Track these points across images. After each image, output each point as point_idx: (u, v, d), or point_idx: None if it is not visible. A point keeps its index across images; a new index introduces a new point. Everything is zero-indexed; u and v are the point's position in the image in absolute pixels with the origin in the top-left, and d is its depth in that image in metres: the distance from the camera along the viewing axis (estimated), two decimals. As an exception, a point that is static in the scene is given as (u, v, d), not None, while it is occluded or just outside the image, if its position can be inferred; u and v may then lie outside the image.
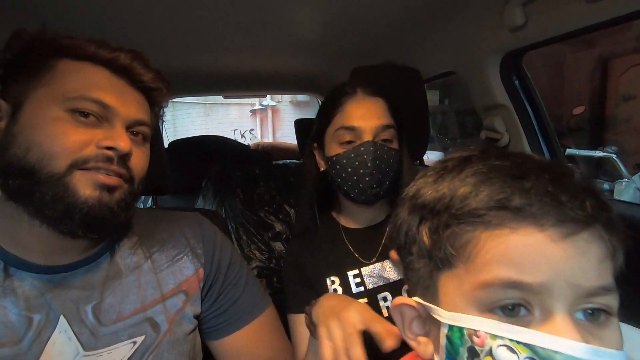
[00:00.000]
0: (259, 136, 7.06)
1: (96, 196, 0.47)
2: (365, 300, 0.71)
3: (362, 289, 0.72)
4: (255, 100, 6.90)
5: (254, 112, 7.15)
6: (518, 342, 0.25)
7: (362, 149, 0.71)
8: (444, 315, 0.29)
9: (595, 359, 0.24)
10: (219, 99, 2.39)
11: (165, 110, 0.63)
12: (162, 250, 0.59)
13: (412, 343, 0.33)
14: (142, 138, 0.54)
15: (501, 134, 0.98)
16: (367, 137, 0.71)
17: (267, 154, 1.71)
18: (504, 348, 0.25)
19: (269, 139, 6.64)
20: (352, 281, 0.73)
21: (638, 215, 0.76)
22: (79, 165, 0.46)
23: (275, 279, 1.25)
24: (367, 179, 0.71)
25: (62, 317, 0.49)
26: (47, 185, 0.45)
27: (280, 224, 1.34)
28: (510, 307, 0.26)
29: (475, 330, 0.26)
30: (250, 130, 7.02)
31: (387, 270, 0.73)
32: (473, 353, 0.27)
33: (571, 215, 0.26)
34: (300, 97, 6.71)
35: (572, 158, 2.06)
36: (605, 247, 0.27)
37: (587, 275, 0.26)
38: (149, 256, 0.57)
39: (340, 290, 0.73)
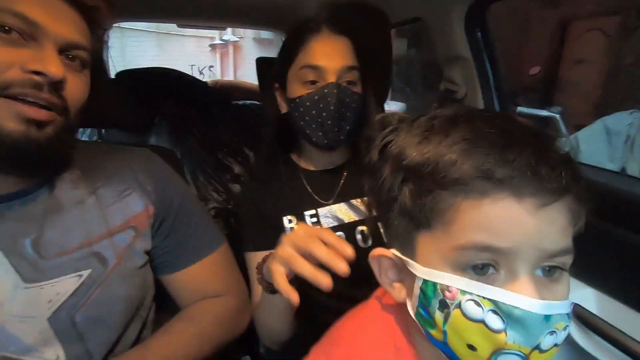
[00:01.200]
0: (218, 74, 6.64)
1: (21, 130, 0.42)
2: None
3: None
4: (215, 34, 6.36)
5: (213, 47, 6.63)
6: (484, 298, 0.29)
7: (326, 91, 0.69)
8: (420, 270, 0.32)
9: (547, 312, 0.28)
10: (174, 28, 2.17)
11: (110, 35, 0.57)
12: (108, 186, 0.57)
13: (387, 287, 0.36)
14: (80, 64, 0.49)
15: (459, 87, 1.01)
16: (331, 78, 0.70)
17: (226, 93, 1.63)
18: (472, 302, 0.29)
19: (229, 78, 6.27)
20: (309, 220, 0.76)
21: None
22: (0, 93, 0.41)
23: (232, 220, 1.27)
24: (329, 122, 0.70)
25: None
26: None
27: (239, 166, 1.33)
28: (480, 267, 0.30)
29: (448, 286, 0.30)
30: (209, 67, 6.56)
31: (343, 212, 0.76)
32: (444, 305, 0.30)
33: (548, 188, 0.28)
34: (265, 34, 6.29)
35: (520, 116, 2.19)
36: (571, 215, 0.30)
37: (552, 240, 0.29)
38: (93, 191, 0.56)
39: None
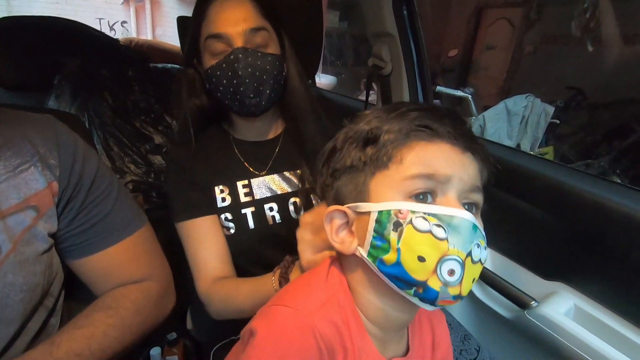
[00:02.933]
0: (133, 31, 5.92)
1: None
2: (252, 209, 0.74)
3: (249, 198, 0.74)
4: (128, -16, 5.61)
5: (127, 0, 5.85)
6: (429, 214, 0.36)
7: (231, 57, 0.66)
8: (375, 206, 0.39)
9: (474, 222, 0.37)
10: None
11: None
12: (0, 159, 0.48)
13: (336, 245, 0.41)
14: None
15: (386, 63, 1.04)
16: (238, 42, 0.66)
17: (143, 54, 1.46)
18: (420, 218, 0.36)
19: (147, 37, 5.62)
20: (241, 191, 0.74)
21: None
22: None
23: (154, 194, 1.19)
24: (241, 88, 0.67)
25: None
26: None
27: (160, 136, 1.22)
28: (421, 196, 0.38)
29: (400, 210, 0.37)
30: (122, 23, 5.80)
31: (276, 183, 0.76)
32: (397, 225, 0.37)
33: (466, 140, 0.39)
34: (188, -9, 5.72)
35: (439, 94, 2.37)
36: (479, 166, 0.40)
37: (470, 176, 0.39)
38: None
39: (228, 200, 0.73)
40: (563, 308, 0.70)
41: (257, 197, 0.75)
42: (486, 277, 0.84)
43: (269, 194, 0.75)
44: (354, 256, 0.40)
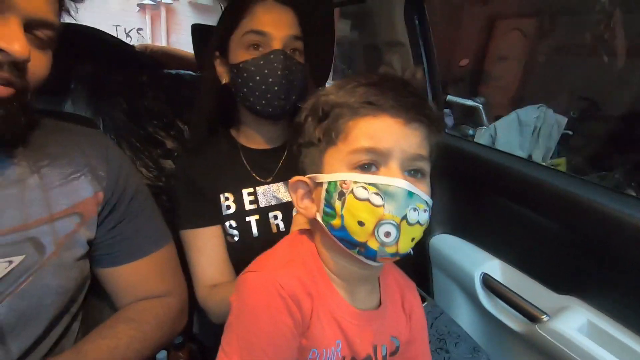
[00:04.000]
0: (148, 38, 6.05)
1: None
2: (256, 217, 0.74)
3: (254, 206, 0.75)
4: (145, -7, 5.75)
5: (142, 7, 5.99)
6: (369, 184, 0.40)
7: (272, 56, 0.67)
8: (326, 177, 0.43)
9: (410, 189, 0.40)
10: (94, -20, 1.91)
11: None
12: (54, 166, 0.51)
13: (301, 210, 0.47)
14: (46, 41, 0.44)
15: (396, 72, 1.04)
16: (277, 45, 0.68)
17: (157, 60, 1.49)
18: (360, 188, 0.40)
19: (161, 44, 5.75)
20: (246, 199, 0.75)
21: (472, 149, 0.94)
22: None
23: (165, 198, 1.20)
24: (276, 88, 0.68)
25: None
26: None
27: (171, 141, 1.24)
28: (366, 166, 0.41)
29: (344, 181, 0.41)
30: (137, 30, 5.94)
31: (281, 191, 0.76)
32: (341, 194, 0.41)
33: (409, 112, 0.42)
34: (203, 0, 5.84)
35: (449, 103, 2.36)
36: (424, 135, 0.43)
37: (413, 146, 0.42)
38: (36, 170, 0.49)
39: (233, 207, 0.74)
40: (576, 323, 0.69)
41: (262, 205, 0.75)
42: (496, 290, 0.83)
43: (274, 202, 0.75)
44: (316, 221, 0.45)
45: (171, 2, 6.04)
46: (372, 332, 0.49)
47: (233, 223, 0.73)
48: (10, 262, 0.46)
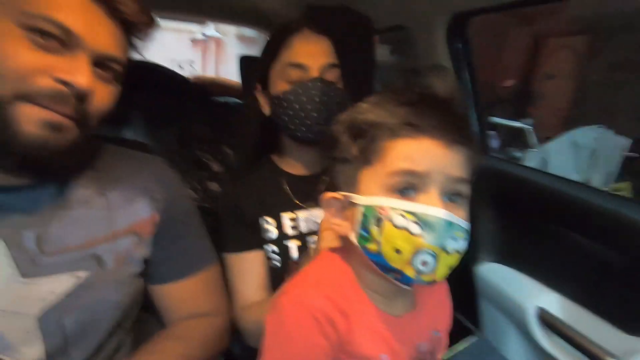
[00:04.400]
0: (199, 68, 6.51)
1: (40, 135, 0.43)
2: (297, 242, 0.75)
3: (296, 232, 0.75)
4: (196, 29, 6.24)
5: (195, 41, 6.50)
6: (407, 211, 0.39)
7: (309, 84, 0.70)
8: (362, 200, 0.42)
9: (449, 219, 0.39)
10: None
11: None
12: (118, 189, 0.56)
13: (335, 227, 0.46)
14: (113, 76, 0.49)
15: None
16: (314, 74, 0.71)
17: (205, 88, 1.60)
18: (399, 215, 0.39)
19: (211, 74, 6.16)
20: (288, 224, 0.76)
21: (523, 172, 0.89)
22: (26, 98, 0.41)
23: (210, 219, 1.25)
24: (315, 114, 0.71)
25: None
26: None
27: (217, 165, 1.30)
28: (404, 190, 0.40)
29: (382, 206, 0.40)
30: (190, 63, 6.42)
31: (321, 216, 0.77)
32: (379, 220, 0.40)
33: (450, 133, 0.41)
34: (249, 33, 6.23)
35: (494, 125, 2.27)
36: (467, 157, 0.42)
37: (453, 169, 0.41)
38: (102, 193, 0.54)
39: (274, 232, 0.75)
40: (653, 370, 0.60)
41: (303, 230, 0.75)
42: (555, 327, 0.75)
43: (315, 228, 0.76)
44: (348, 239, 0.45)
45: (220, 36, 6.50)
46: (413, 333, 0.49)
47: (275, 248, 0.75)
48: (78, 277, 0.50)
